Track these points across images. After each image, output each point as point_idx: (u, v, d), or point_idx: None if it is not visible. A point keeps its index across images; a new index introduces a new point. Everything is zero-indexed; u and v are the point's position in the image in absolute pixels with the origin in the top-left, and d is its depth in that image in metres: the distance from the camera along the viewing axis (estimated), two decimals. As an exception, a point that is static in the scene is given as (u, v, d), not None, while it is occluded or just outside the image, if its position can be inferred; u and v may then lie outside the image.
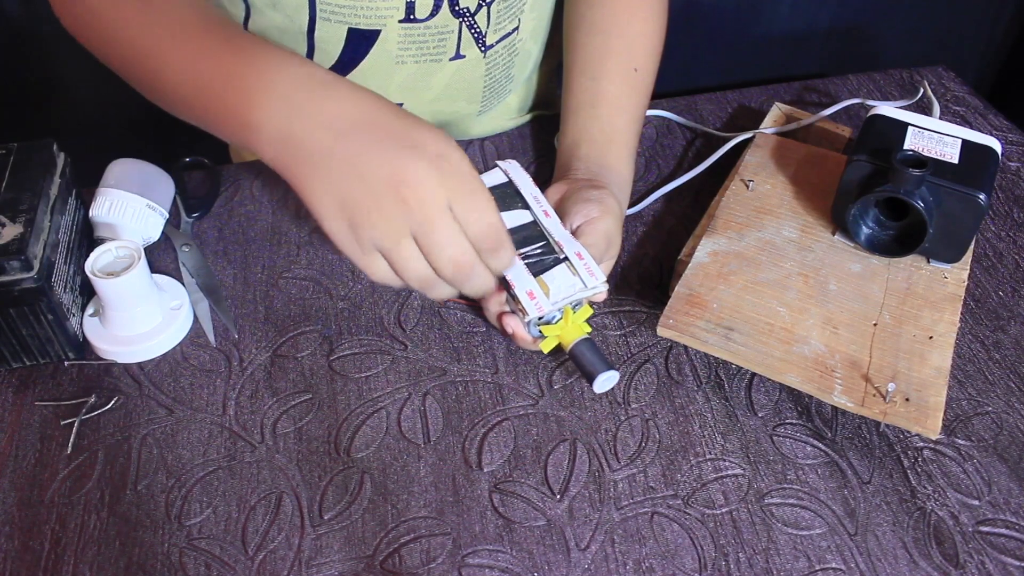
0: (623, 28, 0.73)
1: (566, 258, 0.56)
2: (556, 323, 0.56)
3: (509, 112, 0.86)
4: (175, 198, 0.72)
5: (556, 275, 0.55)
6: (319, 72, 0.50)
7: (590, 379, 0.54)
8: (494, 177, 0.61)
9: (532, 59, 0.82)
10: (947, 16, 1.13)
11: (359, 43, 0.70)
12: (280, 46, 0.52)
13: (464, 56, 0.74)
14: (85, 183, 0.68)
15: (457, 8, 0.70)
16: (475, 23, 0.72)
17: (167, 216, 0.69)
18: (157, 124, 1.03)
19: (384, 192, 0.47)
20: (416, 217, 0.48)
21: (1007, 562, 0.51)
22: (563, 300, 0.55)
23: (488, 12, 0.72)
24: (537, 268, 0.56)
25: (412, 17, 0.69)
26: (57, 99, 1.04)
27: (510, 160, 0.62)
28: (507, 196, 0.59)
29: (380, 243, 0.49)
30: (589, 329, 0.57)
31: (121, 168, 0.69)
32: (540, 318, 0.55)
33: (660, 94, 0.85)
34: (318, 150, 0.48)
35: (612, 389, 0.59)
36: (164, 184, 0.71)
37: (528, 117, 0.86)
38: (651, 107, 0.83)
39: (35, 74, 1.01)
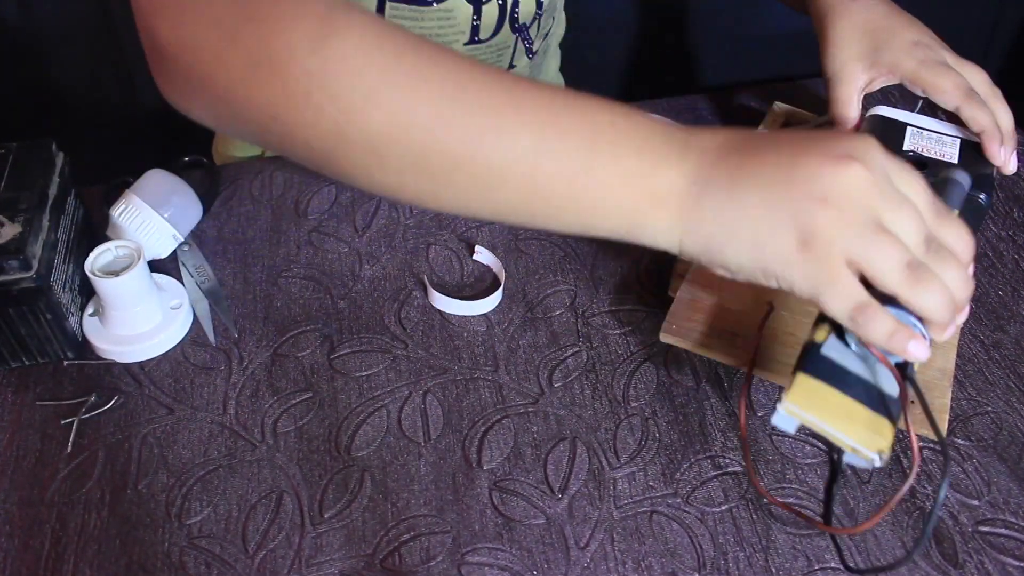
0: None
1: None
2: None
3: None
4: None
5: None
6: (671, 125, 0.45)
7: None
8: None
9: (556, 56, 0.83)
10: (947, 16, 1.13)
11: None
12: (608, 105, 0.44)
13: (515, 66, 0.75)
14: (84, 182, 0.68)
15: (516, 24, 0.70)
16: (528, 35, 0.73)
17: (182, 240, 0.68)
18: (156, 123, 1.03)
19: (822, 198, 0.41)
20: (872, 198, 0.41)
21: (1006, 562, 0.51)
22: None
23: (539, 22, 0.73)
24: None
25: (476, 39, 0.69)
26: (56, 99, 1.04)
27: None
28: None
29: (849, 244, 0.41)
30: None
31: (158, 180, 0.68)
32: None
33: (660, 94, 0.85)
34: (722, 198, 0.42)
35: (612, 387, 0.60)
36: (192, 209, 0.69)
37: None
38: (649, 109, 0.83)
39: (35, 74, 1.01)
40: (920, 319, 0.43)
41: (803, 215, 0.41)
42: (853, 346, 0.47)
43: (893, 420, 0.46)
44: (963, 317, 0.44)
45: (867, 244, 0.41)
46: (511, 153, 0.42)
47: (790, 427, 0.46)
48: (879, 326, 0.42)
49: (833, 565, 0.50)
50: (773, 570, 0.50)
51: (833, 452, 0.53)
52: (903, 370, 0.45)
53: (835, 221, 0.41)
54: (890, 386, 0.46)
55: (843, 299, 0.42)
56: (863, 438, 0.44)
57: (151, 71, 0.46)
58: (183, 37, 0.43)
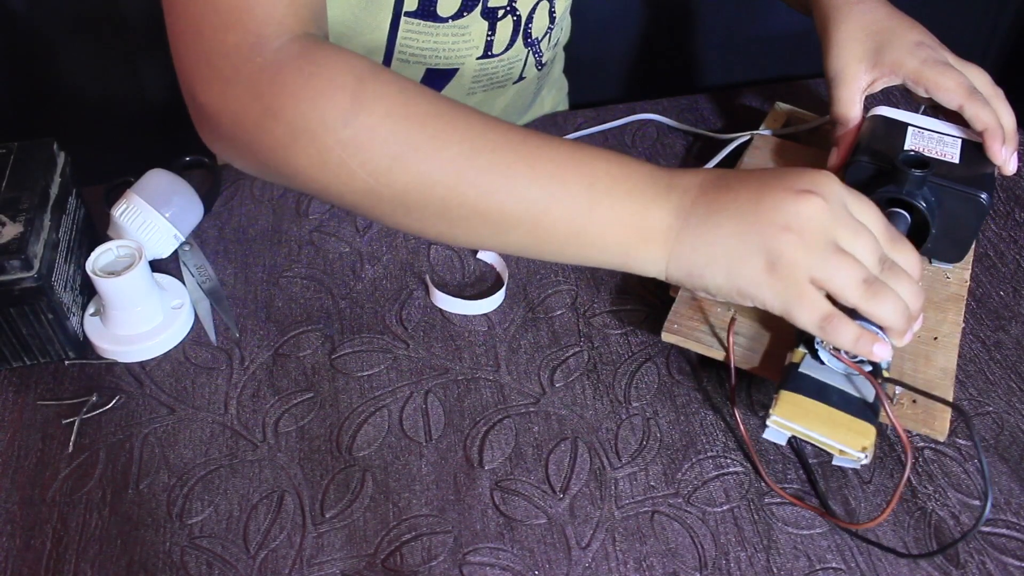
0: None
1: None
2: None
3: (543, 111, 0.87)
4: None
5: None
6: (658, 169, 0.50)
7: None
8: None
9: (560, 59, 0.83)
10: (947, 16, 1.13)
11: (434, 81, 0.70)
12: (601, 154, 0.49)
13: (524, 77, 0.75)
14: (85, 182, 0.68)
15: (529, 39, 0.70)
16: (539, 48, 0.73)
17: (184, 240, 0.68)
18: (157, 123, 1.03)
19: (784, 226, 0.47)
20: (830, 225, 0.47)
21: (1008, 562, 0.51)
22: None
23: (550, 36, 0.73)
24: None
25: (490, 53, 0.69)
26: (58, 98, 1.04)
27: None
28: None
29: (811, 264, 0.46)
30: None
31: (159, 180, 0.68)
32: None
33: (660, 94, 0.85)
34: (701, 230, 0.48)
35: (613, 387, 0.60)
36: (194, 209, 0.69)
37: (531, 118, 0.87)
38: (649, 110, 0.83)
39: (36, 73, 1.01)
40: (880, 328, 0.48)
41: (770, 241, 0.47)
42: (826, 361, 0.51)
43: (873, 421, 0.50)
44: (918, 325, 0.50)
45: (827, 264, 0.46)
46: (522, 203, 0.48)
47: (781, 439, 0.52)
48: (845, 333, 0.47)
49: (835, 565, 0.51)
50: (774, 570, 0.50)
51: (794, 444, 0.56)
52: (875, 375, 0.50)
53: (797, 245, 0.46)
54: (867, 391, 0.51)
55: (810, 312, 0.47)
56: (847, 439, 0.49)
57: (195, 125, 0.51)
58: (227, 105, 0.47)
